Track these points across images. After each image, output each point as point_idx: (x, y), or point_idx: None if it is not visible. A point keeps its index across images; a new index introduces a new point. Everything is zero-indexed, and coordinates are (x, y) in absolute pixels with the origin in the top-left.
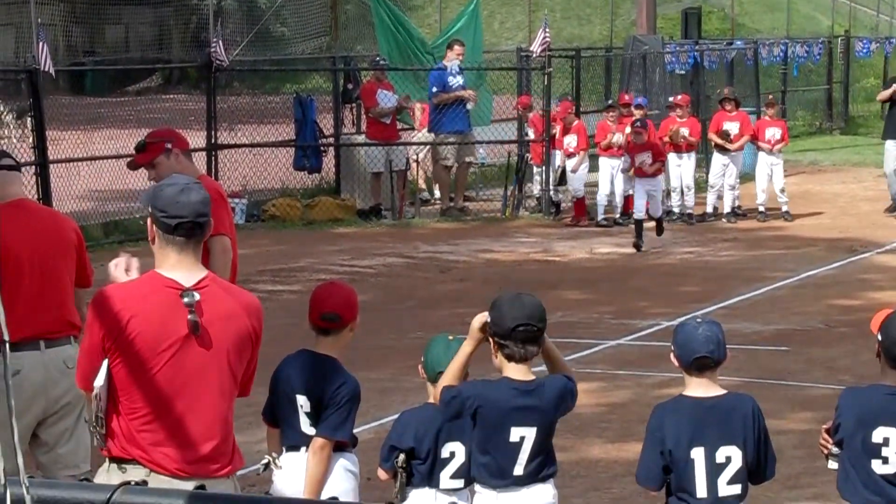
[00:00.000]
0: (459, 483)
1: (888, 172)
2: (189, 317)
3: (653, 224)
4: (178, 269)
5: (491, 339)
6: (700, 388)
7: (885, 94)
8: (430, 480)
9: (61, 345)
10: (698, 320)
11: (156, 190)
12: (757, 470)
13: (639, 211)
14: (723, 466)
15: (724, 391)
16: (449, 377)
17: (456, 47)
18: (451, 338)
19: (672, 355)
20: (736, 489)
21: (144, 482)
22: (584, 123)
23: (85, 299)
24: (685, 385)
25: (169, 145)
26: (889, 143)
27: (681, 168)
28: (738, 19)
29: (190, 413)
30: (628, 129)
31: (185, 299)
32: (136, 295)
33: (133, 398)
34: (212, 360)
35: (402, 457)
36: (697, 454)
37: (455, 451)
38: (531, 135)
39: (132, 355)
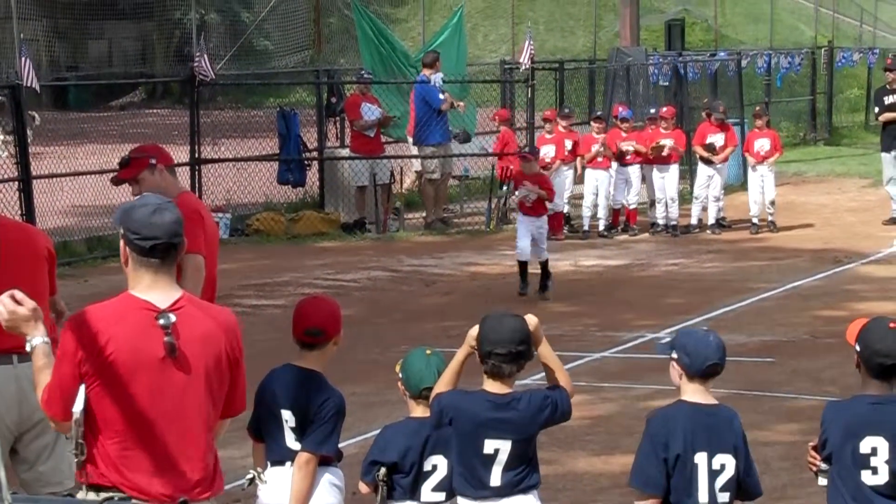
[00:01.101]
0: (441, 496)
1: (887, 184)
2: (165, 339)
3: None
4: (153, 290)
5: (477, 353)
6: (698, 395)
7: (888, 116)
8: (413, 494)
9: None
10: (705, 329)
11: (127, 211)
12: (746, 482)
13: (521, 252)
14: (717, 473)
15: (716, 401)
16: (442, 384)
17: (437, 64)
18: (428, 352)
19: (674, 362)
20: (726, 497)
21: (128, 498)
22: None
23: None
24: (681, 392)
25: (153, 161)
26: (885, 156)
27: (664, 180)
28: (722, 30)
29: (170, 437)
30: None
31: (161, 321)
32: (110, 318)
33: (111, 423)
34: (190, 383)
35: (382, 470)
36: (700, 459)
37: (437, 465)
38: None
39: (109, 380)
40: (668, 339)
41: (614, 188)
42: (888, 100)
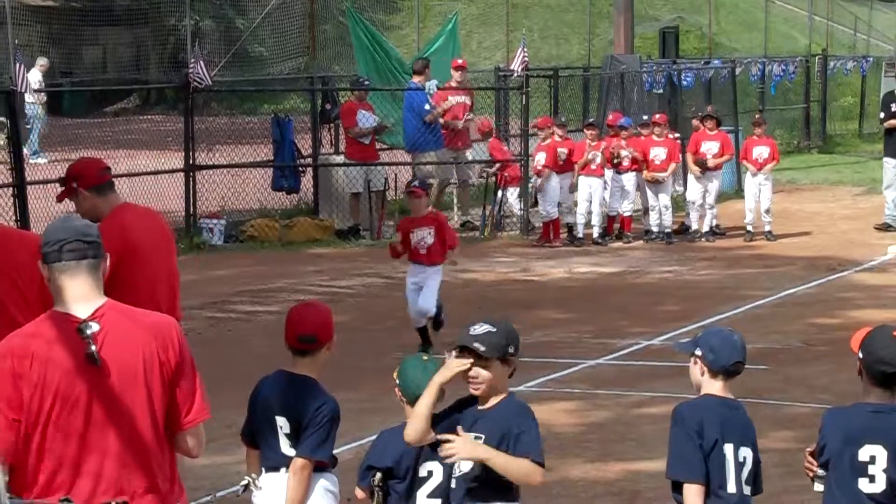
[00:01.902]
0: (436, 502)
1: (885, 189)
2: (87, 349)
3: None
4: (74, 301)
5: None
6: (722, 391)
7: (893, 123)
8: (408, 499)
9: None
10: (729, 328)
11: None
12: (758, 477)
13: (414, 311)
14: (742, 466)
15: (734, 397)
16: (413, 433)
17: (427, 71)
18: (425, 358)
19: (698, 359)
20: (748, 490)
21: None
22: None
23: None
24: (704, 389)
25: (74, 185)
26: (887, 161)
27: (658, 187)
28: (716, 38)
29: (108, 445)
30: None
31: (81, 331)
32: (30, 337)
33: (45, 444)
34: (123, 390)
35: (378, 476)
36: (729, 450)
37: (433, 471)
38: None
39: (38, 401)
40: (688, 339)
41: (610, 195)
42: (895, 106)
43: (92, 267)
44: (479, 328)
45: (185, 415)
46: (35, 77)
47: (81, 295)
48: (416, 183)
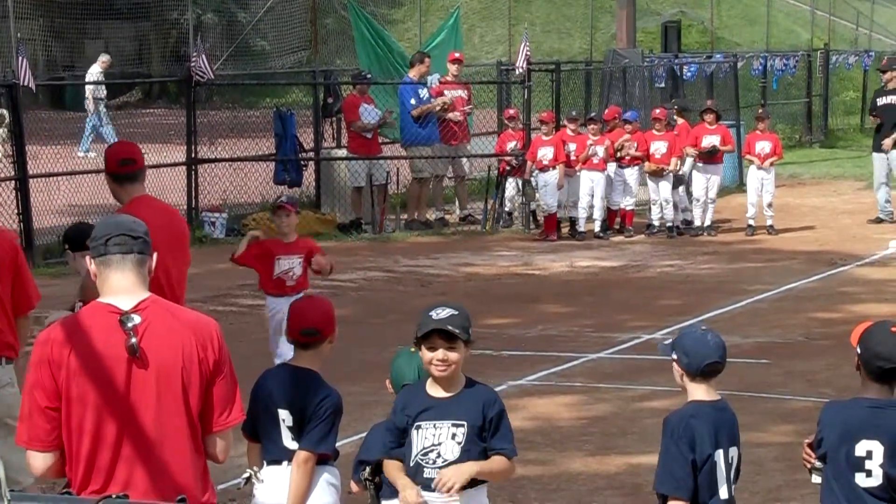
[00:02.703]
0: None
1: (877, 186)
2: (128, 340)
3: None
4: (118, 293)
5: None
6: (705, 393)
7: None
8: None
9: None
10: (703, 328)
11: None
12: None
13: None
14: (730, 466)
15: (719, 396)
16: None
17: (426, 60)
18: (413, 350)
19: (675, 363)
20: (732, 489)
21: (125, 495)
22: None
23: (28, 326)
24: (688, 393)
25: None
26: (875, 156)
27: (659, 182)
28: (718, 33)
29: (149, 437)
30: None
31: (123, 322)
32: (74, 327)
33: (84, 427)
34: (162, 383)
35: (367, 469)
36: (719, 456)
37: None
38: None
39: (78, 388)
40: (669, 340)
41: (613, 190)
42: (881, 101)
43: (137, 262)
44: (443, 312)
45: (219, 416)
46: (95, 71)
47: (125, 288)
48: (284, 198)
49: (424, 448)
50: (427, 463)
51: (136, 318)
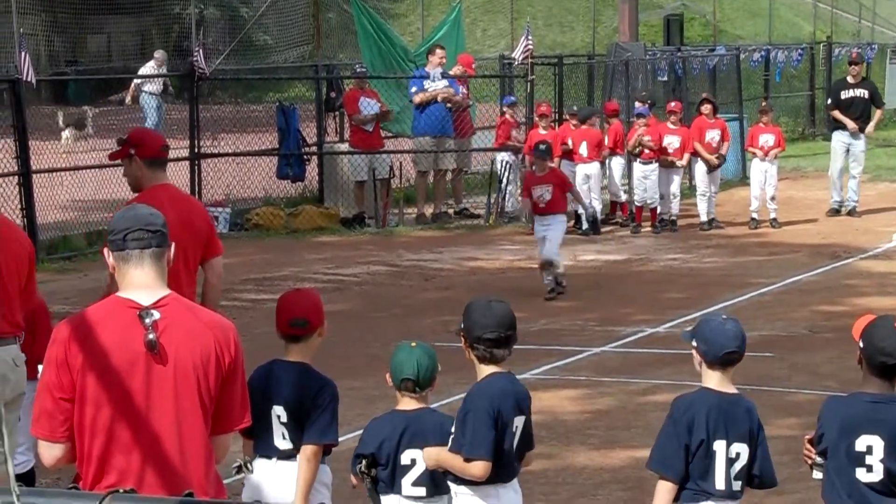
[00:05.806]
0: (421, 491)
1: (832, 174)
2: (147, 336)
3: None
4: (138, 288)
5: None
6: (719, 383)
7: (838, 115)
8: (393, 486)
9: (8, 344)
10: (724, 317)
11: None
12: (761, 471)
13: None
14: (733, 462)
15: (736, 390)
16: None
17: (437, 51)
18: (413, 344)
19: (695, 350)
20: (738, 486)
21: (133, 490)
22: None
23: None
24: (703, 380)
25: (132, 151)
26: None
27: (670, 175)
28: (720, 26)
29: (164, 433)
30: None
31: (142, 318)
32: (93, 320)
33: (97, 423)
34: (179, 379)
35: (363, 463)
36: (719, 447)
37: (416, 459)
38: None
39: (95, 381)
40: (691, 328)
41: (637, 185)
42: (844, 94)
43: (156, 256)
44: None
45: (228, 418)
46: (150, 66)
47: (145, 283)
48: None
49: None
50: None
51: (156, 314)
